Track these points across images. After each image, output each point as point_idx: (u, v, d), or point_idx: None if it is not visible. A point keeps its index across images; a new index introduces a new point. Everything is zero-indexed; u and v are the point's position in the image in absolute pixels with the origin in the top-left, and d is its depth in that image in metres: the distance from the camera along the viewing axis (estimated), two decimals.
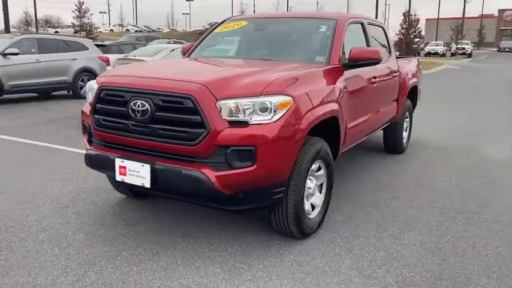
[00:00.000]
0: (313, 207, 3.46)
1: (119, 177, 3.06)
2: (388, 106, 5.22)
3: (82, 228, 3.47)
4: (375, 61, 3.94)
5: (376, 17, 24.42)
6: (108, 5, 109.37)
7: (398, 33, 28.00)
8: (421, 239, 3.40)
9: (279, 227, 3.24)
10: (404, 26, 26.48)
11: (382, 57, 4.01)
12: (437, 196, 4.40)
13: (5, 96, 10.26)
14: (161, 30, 61.27)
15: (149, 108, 2.90)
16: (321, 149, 3.32)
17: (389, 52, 5.39)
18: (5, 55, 10.18)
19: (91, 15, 38.27)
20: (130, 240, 3.27)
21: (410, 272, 2.91)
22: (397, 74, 5.38)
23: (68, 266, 2.89)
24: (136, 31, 53.67)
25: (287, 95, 2.93)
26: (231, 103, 2.79)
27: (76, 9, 38.30)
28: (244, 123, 2.79)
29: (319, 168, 3.46)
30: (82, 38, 13.11)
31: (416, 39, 27.03)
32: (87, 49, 12.08)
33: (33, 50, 10.88)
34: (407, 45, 26.01)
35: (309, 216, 3.37)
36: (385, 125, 5.56)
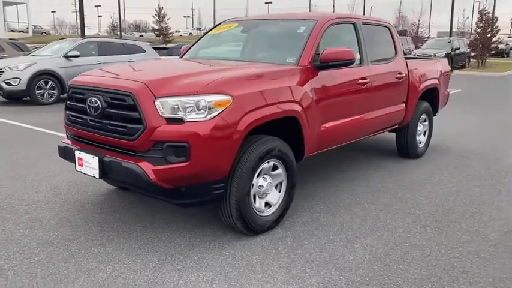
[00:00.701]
0: (269, 205, 3.51)
1: (77, 168, 3.35)
2: (392, 108, 5.05)
3: (60, 213, 3.82)
4: (348, 62, 3.87)
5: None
6: (192, 10, 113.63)
7: (473, 32, 26.14)
8: (375, 245, 3.31)
9: (225, 221, 3.34)
10: (481, 25, 24.64)
11: (355, 57, 3.91)
12: (424, 203, 4.21)
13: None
14: None
15: (100, 105, 3.15)
16: (274, 148, 3.36)
17: (396, 52, 5.20)
18: (67, 57, 11.17)
19: (168, 19, 40.27)
20: (95, 227, 3.56)
21: (340, 275, 2.87)
22: (404, 75, 5.18)
23: (28, 245, 3.22)
24: None
25: (226, 95, 3.03)
26: (168, 101, 2.95)
27: (156, 14, 40.51)
28: (180, 121, 2.94)
29: (275, 168, 3.50)
30: (141, 42, 13.93)
31: (494, 39, 24.99)
32: (144, 51, 12.84)
33: (93, 53, 11.82)
34: (483, 46, 24.19)
35: (261, 214, 3.43)
36: (392, 128, 5.39)
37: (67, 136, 3.74)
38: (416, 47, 27.08)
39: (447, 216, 3.88)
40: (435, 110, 6.24)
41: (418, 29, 41.52)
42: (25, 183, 4.62)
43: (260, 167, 3.33)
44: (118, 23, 41.42)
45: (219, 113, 2.98)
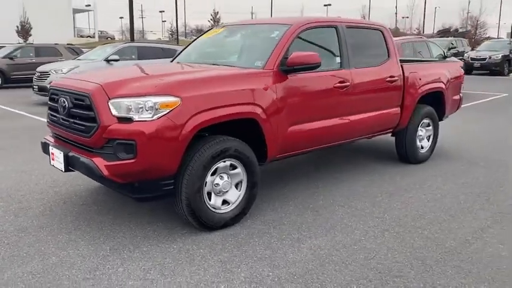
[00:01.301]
0: (227, 203, 3.65)
1: (51, 162, 3.69)
2: (382, 111, 5.00)
3: (47, 204, 4.19)
4: (314, 65, 3.93)
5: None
6: (252, 14, 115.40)
7: None
8: (323, 245, 3.36)
9: (181, 216, 3.53)
10: None
11: (321, 61, 3.94)
12: (398, 208, 4.16)
13: None
14: None
15: (67, 105, 3.47)
16: (229, 148, 3.51)
17: (388, 56, 5.14)
18: (108, 61, 11.89)
19: (221, 23, 41.31)
20: (71, 216, 3.88)
21: (270, 271, 2.96)
22: (397, 78, 5.10)
23: (6, 229, 3.59)
24: None
25: (174, 96, 3.22)
26: (120, 102, 3.19)
27: (211, 19, 41.75)
28: (130, 120, 3.17)
29: (234, 167, 3.64)
30: (178, 46, 14.50)
31: None
32: None
33: (133, 57, 12.48)
34: None
35: (217, 211, 3.58)
36: (386, 132, 5.33)
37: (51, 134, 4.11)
38: (473, 49, 25.77)
39: (414, 222, 3.82)
40: (441, 115, 6.05)
41: (476, 30, 39.41)
42: (31, 176, 5.08)
43: (214, 166, 3.48)
44: (176, 28, 42.94)
45: (166, 114, 3.17)
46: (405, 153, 5.65)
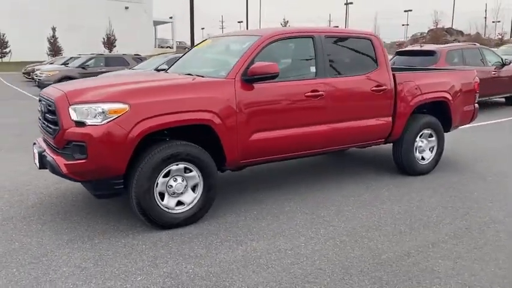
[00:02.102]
0: (183, 204, 3.89)
1: (34, 160, 4.18)
2: (368, 121, 4.95)
3: (43, 198, 4.70)
4: (273, 75, 4.05)
5: None
6: (329, 21, 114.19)
7: None
8: (258, 248, 3.47)
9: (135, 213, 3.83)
10: None
11: (279, 71, 4.04)
12: (359, 217, 4.13)
13: None
14: None
15: (43, 110, 3.93)
16: (180, 152, 3.75)
17: (377, 65, 5.07)
18: (158, 71, 12.67)
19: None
20: (54, 209, 4.33)
21: (191, 268, 3.15)
22: (386, 87, 5.02)
23: None
24: None
25: (123, 103, 3.54)
26: (77, 108, 3.57)
27: None
28: (83, 124, 3.54)
29: (189, 170, 3.87)
30: None
31: None
32: None
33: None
34: None
35: (170, 211, 3.83)
36: (377, 142, 5.26)
37: None
38: None
39: (366, 233, 3.79)
40: (448, 126, 5.80)
41: None
42: (43, 173, 5.66)
43: (166, 169, 3.74)
44: None
45: (114, 119, 3.50)
46: (402, 164, 5.51)
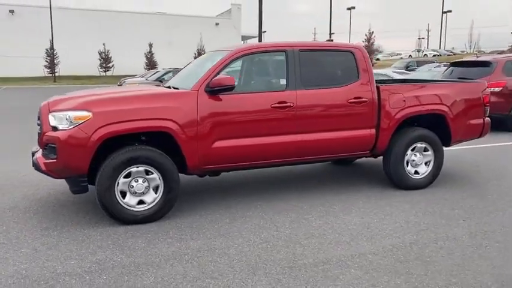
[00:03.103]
0: (144, 203, 4.33)
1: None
2: (345, 133, 4.99)
3: (37, 190, 5.40)
4: (229, 87, 4.35)
5: None
6: (428, 31, 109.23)
7: None
8: (184, 247, 3.74)
9: None
10: None
11: (234, 83, 4.32)
12: (307, 226, 4.21)
13: None
14: (451, 53, 57.16)
15: (38, 116, 4.64)
16: (140, 156, 4.20)
17: (358, 77, 5.10)
18: None
19: (372, 44, 40.70)
20: (44, 203, 4.99)
21: (118, 258, 3.54)
22: (365, 99, 5.03)
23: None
24: (434, 55, 52.62)
25: (87, 111, 4.08)
26: (54, 115, 4.19)
27: (366, 39, 41.48)
28: (56, 129, 4.15)
29: (150, 173, 4.30)
30: None
31: None
32: None
33: None
34: None
35: (131, 209, 4.27)
36: (360, 154, 5.28)
37: None
38: None
39: (305, 240, 3.89)
40: (447, 140, 5.58)
41: None
42: None
43: (126, 170, 4.21)
44: None
45: (78, 125, 4.05)
46: (391, 177, 5.42)
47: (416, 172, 5.46)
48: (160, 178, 4.33)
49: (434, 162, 5.49)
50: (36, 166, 4.34)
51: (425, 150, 5.46)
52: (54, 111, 4.22)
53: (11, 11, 47.13)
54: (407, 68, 30.09)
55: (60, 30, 43.97)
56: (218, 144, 4.50)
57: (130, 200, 4.29)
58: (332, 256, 3.56)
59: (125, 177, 4.23)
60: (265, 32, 66.13)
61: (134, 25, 50.58)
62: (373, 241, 3.87)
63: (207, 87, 4.46)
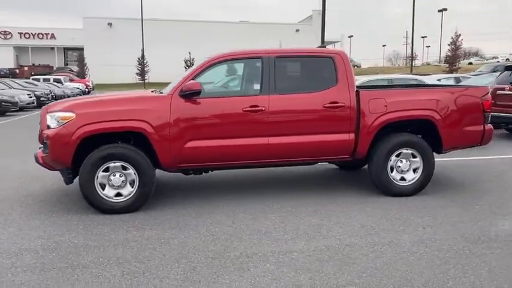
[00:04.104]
0: (121, 195, 4.84)
1: None
2: (318, 137, 5.09)
3: (36, 186, 6.17)
4: (196, 91, 4.70)
5: None
6: None
7: None
8: (143, 234, 4.17)
9: None
10: None
11: (200, 88, 4.66)
12: (260, 227, 4.40)
13: None
14: None
15: None
16: (116, 153, 4.72)
17: (336, 82, 5.16)
18: None
19: (457, 50, 38.18)
20: (43, 195, 5.73)
21: (73, 238, 4.06)
22: (343, 104, 5.08)
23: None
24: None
25: (72, 112, 4.70)
26: (49, 115, 4.87)
27: (451, 42, 39.13)
28: (49, 127, 4.82)
29: (126, 168, 4.80)
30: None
31: None
32: None
33: None
34: None
35: (109, 200, 4.79)
36: (338, 158, 5.35)
37: None
38: None
39: (248, 236, 4.12)
40: (439, 147, 5.40)
41: None
42: None
43: (104, 165, 4.74)
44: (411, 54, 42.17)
45: (63, 124, 4.68)
46: (375, 183, 5.39)
47: (402, 179, 5.36)
48: (136, 173, 4.80)
49: (422, 170, 5.35)
50: (36, 159, 5.05)
51: (413, 156, 5.35)
52: (49, 112, 4.89)
53: (109, 24, 51.85)
54: (494, 71, 28.13)
55: (150, 40, 47.34)
56: (191, 144, 4.87)
57: (108, 192, 4.81)
58: (260, 251, 3.75)
59: (104, 171, 4.77)
60: (351, 36, 65.72)
61: (218, 33, 52.79)
62: (311, 241, 3.97)
63: (181, 91, 4.86)
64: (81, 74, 48.53)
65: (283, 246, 3.87)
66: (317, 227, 4.33)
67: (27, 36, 63.21)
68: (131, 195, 4.83)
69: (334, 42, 57.03)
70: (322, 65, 5.26)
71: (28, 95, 20.68)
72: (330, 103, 5.09)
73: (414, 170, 5.37)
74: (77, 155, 4.73)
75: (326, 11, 24.18)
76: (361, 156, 5.32)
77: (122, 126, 4.75)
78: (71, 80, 39.02)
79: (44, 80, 35.22)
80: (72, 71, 50.40)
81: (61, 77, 37.52)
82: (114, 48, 49.79)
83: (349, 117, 5.14)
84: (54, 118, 4.75)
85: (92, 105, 4.86)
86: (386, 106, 5.19)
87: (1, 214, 4.86)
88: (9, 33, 62.54)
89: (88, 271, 3.43)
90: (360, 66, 59.61)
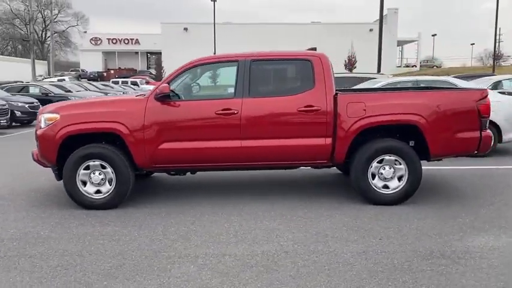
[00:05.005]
0: (100, 192, 5.14)
1: None
2: (294, 140, 5.01)
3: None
4: (166, 94, 4.86)
5: None
6: None
7: None
8: (101, 230, 4.40)
9: None
10: None
11: (169, 91, 4.80)
12: (214, 230, 4.46)
13: None
14: None
15: None
16: (94, 152, 5.02)
17: (314, 85, 5.04)
18: None
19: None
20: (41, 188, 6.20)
21: (45, 229, 4.40)
22: (319, 108, 4.95)
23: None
24: None
25: (57, 114, 5.08)
26: (41, 116, 5.31)
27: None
28: (40, 127, 5.25)
29: (105, 167, 5.10)
30: (379, 74, 14.63)
31: None
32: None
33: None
34: None
35: (89, 196, 5.10)
36: (315, 163, 5.23)
37: None
38: None
39: (194, 237, 4.19)
40: (426, 154, 5.06)
41: None
42: None
43: (85, 163, 5.06)
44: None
45: (49, 124, 5.07)
46: (356, 190, 5.19)
47: (386, 186, 5.09)
48: (113, 172, 5.07)
49: (408, 178, 5.05)
50: (32, 156, 5.52)
51: (398, 163, 5.06)
52: (42, 113, 5.33)
53: (185, 29, 54.01)
54: None
55: (223, 44, 48.66)
56: (165, 146, 5.03)
57: (89, 189, 5.13)
58: (195, 253, 3.81)
59: (85, 169, 5.09)
60: (435, 35, 62.14)
61: (288, 35, 52.79)
62: (253, 246, 3.94)
63: (156, 94, 5.05)
64: (159, 77, 51.16)
65: (221, 249, 3.89)
66: (269, 232, 4.28)
67: (114, 41, 67.85)
68: (109, 192, 5.10)
69: (409, 41, 54.66)
70: (300, 68, 5.17)
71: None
72: (305, 107, 4.98)
73: (399, 178, 5.08)
74: (66, 154, 5.10)
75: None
76: (339, 162, 5.16)
77: (99, 127, 5.04)
78: (147, 83, 41.32)
79: (123, 82, 37.84)
80: (152, 74, 53.33)
81: (138, 80, 40.00)
82: (188, 51, 51.60)
83: (326, 122, 5.00)
84: (43, 119, 5.16)
85: (75, 108, 5.22)
86: (365, 110, 4.97)
87: (1, 205, 5.38)
88: (99, 39, 67.51)
89: (30, 261, 3.72)
90: (440, 67, 56.26)
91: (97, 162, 5.06)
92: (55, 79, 39.58)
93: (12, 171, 7.35)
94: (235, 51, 5.45)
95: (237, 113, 4.97)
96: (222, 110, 4.99)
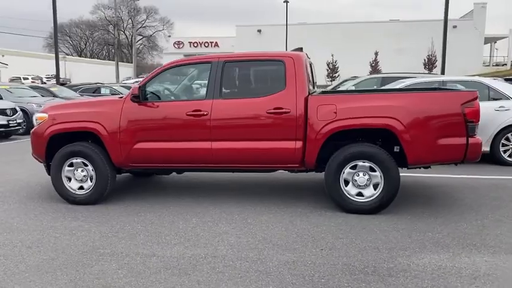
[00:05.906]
0: (83, 188, 5.42)
1: None
2: (262, 143, 4.89)
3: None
4: (136, 95, 4.97)
5: None
6: None
7: None
8: (72, 226, 4.63)
9: None
10: None
11: (137, 93, 4.88)
12: (164, 230, 4.48)
13: None
14: None
15: None
16: (75, 150, 5.30)
17: (285, 87, 4.86)
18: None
19: None
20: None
21: (27, 222, 4.73)
22: (288, 110, 4.78)
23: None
24: None
25: (46, 113, 5.44)
26: (33, 116, 5.72)
27: None
28: (34, 126, 5.66)
29: (86, 164, 5.36)
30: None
31: None
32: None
33: (374, 87, 13.21)
34: None
35: (74, 192, 5.40)
36: (288, 166, 5.04)
37: None
38: None
39: (157, 239, 4.26)
40: (404, 160, 4.67)
41: None
42: None
43: (69, 161, 5.36)
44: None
45: (39, 123, 5.45)
46: (330, 198, 4.93)
47: (360, 194, 4.78)
48: (93, 170, 5.32)
49: (383, 185, 4.70)
50: (32, 153, 5.96)
51: (373, 170, 4.73)
52: (37, 112, 5.74)
53: (259, 30, 54.69)
54: None
55: (296, 44, 48.52)
56: (139, 146, 5.17)
57: (73, 185, 5.42)
58: (126, 252, 3.86)
59: (69, 166, 5.39)
60: None
61: (363, 35, 51.26)
62: (189, 248, 3.91)
63: (131, 95, 5.20)
64: None
65: (155, 250, 3.91)
66: (215, 236, 4.22)
67: (195, 45, 70.51)
68: (90, 189, 5.35)
69: (499, 38, 50.36)
70: (273, 69, 5.04)
71: None
72: (274, 109, 4.83)
73: (375, 186, 4.74)
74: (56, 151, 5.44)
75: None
76: (310, 166, 4.93)
77: (79, 127, 5.31)
78: None
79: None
80: None
81: None
82: None
83: (296, 124, 4.80)
84: (35, 118, 5.56)
85: (62, 108, 5.54)
86: (335, 113, 4.70)
87: (3, 195, 5.88)
88: (181, 42, 70.53)
89: None
90: None
91: (79, 160, 5.33)
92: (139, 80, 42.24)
93: (29, 167, 8.00)
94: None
95: (206, 114, 4.96)
96: (193, 111, 5.00)
